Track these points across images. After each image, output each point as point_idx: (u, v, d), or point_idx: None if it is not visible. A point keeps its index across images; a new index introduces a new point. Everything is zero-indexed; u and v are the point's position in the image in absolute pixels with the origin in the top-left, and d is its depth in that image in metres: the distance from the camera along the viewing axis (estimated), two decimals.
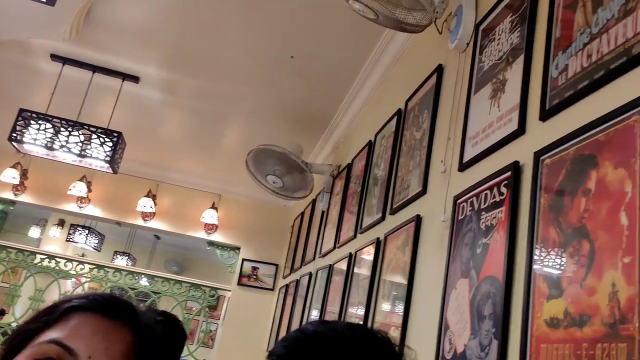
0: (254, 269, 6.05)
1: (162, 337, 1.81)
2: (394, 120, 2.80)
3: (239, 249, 6.18)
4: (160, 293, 6.16)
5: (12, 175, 5.65)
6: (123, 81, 4.21)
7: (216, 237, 6.15)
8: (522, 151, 1.47)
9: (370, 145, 3.21)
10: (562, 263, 1.18)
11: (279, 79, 3.87)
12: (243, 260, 6.09)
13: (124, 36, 3.70)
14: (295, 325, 4.27)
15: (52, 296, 6.15)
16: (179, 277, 6.47)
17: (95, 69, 4.14)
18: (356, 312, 2.67)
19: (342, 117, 4.13)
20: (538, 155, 1.36)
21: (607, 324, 1.00)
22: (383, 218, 2.61)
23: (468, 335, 1.51)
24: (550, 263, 1.23)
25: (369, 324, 2.42)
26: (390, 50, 3.14)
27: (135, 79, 4.21)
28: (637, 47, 1.11)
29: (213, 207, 6.06)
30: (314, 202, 4.74)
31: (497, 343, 1.35)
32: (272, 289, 5.99)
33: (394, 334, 2.07)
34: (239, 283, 6.04)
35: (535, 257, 1.28)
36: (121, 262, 10.49)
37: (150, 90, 4.37)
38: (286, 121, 4.52)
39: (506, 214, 1.46)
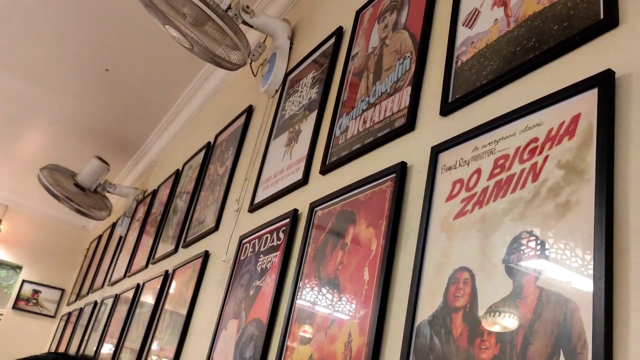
0: (35, 292, 5.40)
1: None
2: (203, 153, 2.78)
3: (20, 268, 5.48)
4: None
5: None
6: None
7: None
8: (302, 201, 1.55)
9: (177, 174, 3.13)
10: (316, 311, 1.24)
11: (91, 91, 3.62)
12: (23, 281, 5.41)
13: None
14: None
15: None
16: None
17: None
18: (132, 346, 2.51)
19: (156, 141, 3.98)
20: (313, 206, 1.44)
21: None
22: (176, 250, 2.53)
23: None
24: (306, 310, 1.28)
25: (144, 358, 2.29)
26: (211, 82, 3.14)
27: None
28: (399, 121, 1.25)
29: None
30: (114, 225, 4.44)
31: None
32: (53, 316, 5.38)
33: None
34: (15, 307, 5.32)
35: (296, 303, 1.33)
36: None
37: None
38: (94, 137, 4.21)
39: (279, 258, 1.51)
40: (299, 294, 1.34)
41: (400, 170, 1.15)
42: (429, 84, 1.22)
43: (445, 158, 1.04)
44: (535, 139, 0.86)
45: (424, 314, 0.93)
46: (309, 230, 1.41)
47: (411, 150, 1.18)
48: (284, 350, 1.28)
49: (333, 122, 1.55)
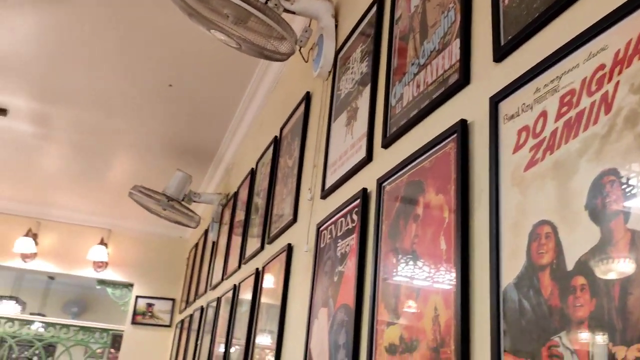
0: (149, 305, 5.76)
1: None
2: (271, 148, 2.80)
3: (132, 285, 5.86)
4: (44, 339, 5.69)
5: None
6: None
7: (108, 274, 5.80)
8: (369, 178, 1.50)
9: (253, 173, 3.18)
10: (399, 288, 1.20)
11: (159, 108, 3.76)
12: (137, 297, 5.78)
13: None
14: None
15: None
16: (65, 321, 6.03)
17: None
18: (239, 343, 2.59)
19: (229, 145, 4.08)
20: (380, 182, 1.39)
21: (432, 348, 1.02)
22: (262, 248, 2.57)
23: None
24: (390, 289, 1.24)
25: (248, 357, 2.36)
26: (268, 77, 3.15)
27: (2, 111, 3.90)
28: (453, 77, 1.17)
29: (102, 242, 5.72)
30: (206, 232, 4.61)
31: None
32: (169, 326, 5.72)
33: None
34: (133, 321, 5.71)
35: (379, 284, 1.30)
36: (6, 307, 9.60)
37: (20, 123, 4.07)
38: (172, 151, 4.38)
39: (356, 241, 1.47)
40: (380, 273, 1.30)
41: (461, 129, 1.07)
42: (477, 31, 1.13)
43: (505, 107, 0.96)
44: (602, 66, 0.76)
45: (508, 277, 0.86)
46: (380, 207, 1.36)
47: (469, 105, 1.10)
48: (374, 333, 1.26)
49: (387, 93, 1.49)
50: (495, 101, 0.98)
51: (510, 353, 0.82)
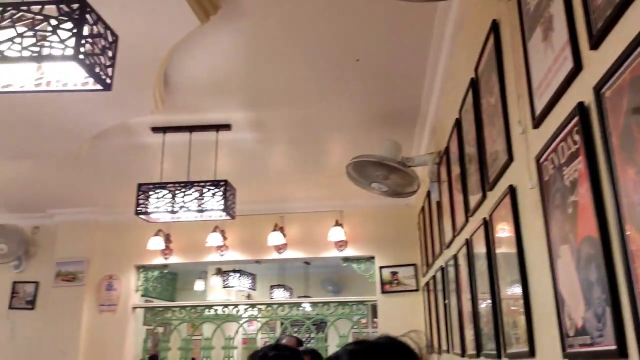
0: (393, 274, 5.98)
1: None
2: (470, 92, 2.63)
3: (373, 258, 6.17)
4: (311, 317, 6.36)
5: (157, 243, 6.24)
6: (217, 132, 4.45)
7: (349, 252, 6.19)
8: (583, 89, 1.29)
9: (459, 123, 3.04)
10: None
11: (354, 85, 3.84)
12: (380, 268, 6.06)
13: (204, 91, 3.92)
14: (442, 323, 4.14)
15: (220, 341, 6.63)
16: (324, 299, 6.64)
17: (191, 129, 4.43)
18: (484, 297, 2.51)
19: (429, 101, 3.97)
20: (597, 89, 1.19)
21: None
22: (484, 196, 2.44)
23: (583, 307, 1.34)
24: (637, 208, 1.04)
25: (497, 310, 2.26)
26: (450, 21, 2.97)
27: (227, 127, 4.43)
28: None
29: (337, 224, 6.12)
30: (428, 194, 4.59)
31: (610, 311, 1.17)
32: (416, 290, 5.87)
33: (520, 317, 1.91)
34: (383, 291, 6.01)
35: (622, 205, 1.10)
36: (278, 294, 11.01)
37: (243, 133, 4.57)
38: (377, 123, 4.45)
39: (584, 164, 1.28)
40: (621, 193, 1.10)
41: None
42: None
43: None
44: None
45: None
46: (604, 119, 1.16)
47: None
48: (631, 263, 1.07)
49: None
50: None
51: None
